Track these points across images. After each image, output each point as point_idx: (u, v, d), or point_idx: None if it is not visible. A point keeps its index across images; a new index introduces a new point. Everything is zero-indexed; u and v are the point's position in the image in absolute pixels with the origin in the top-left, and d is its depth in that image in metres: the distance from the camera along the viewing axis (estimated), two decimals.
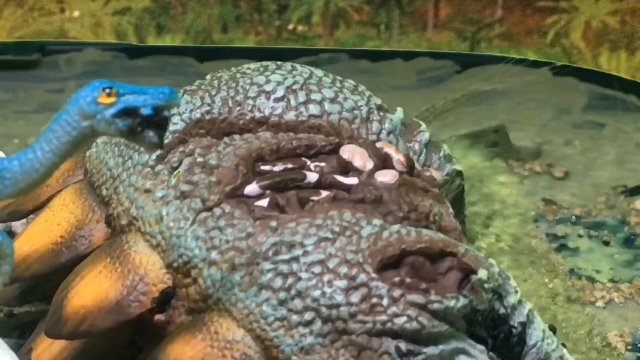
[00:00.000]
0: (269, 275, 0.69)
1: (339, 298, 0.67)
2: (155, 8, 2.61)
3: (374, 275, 0.68)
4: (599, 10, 2.43)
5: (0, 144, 1.64)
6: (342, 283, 0.68)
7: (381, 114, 0.87)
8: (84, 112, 0.62)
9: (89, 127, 0.62)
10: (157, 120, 0.62)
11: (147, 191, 0.78)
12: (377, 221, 0.73)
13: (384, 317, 0.67)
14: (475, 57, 2.40)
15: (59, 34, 2.52)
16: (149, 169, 0.79)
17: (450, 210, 0.80)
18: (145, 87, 0.63)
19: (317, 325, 0.67)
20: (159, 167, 0.79)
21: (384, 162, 0.81)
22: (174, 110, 0.83)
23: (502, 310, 0.72)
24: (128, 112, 0.62)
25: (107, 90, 0.61)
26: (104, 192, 0.82)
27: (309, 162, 0.79)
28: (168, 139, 0.81)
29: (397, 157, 0.81)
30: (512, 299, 0.73)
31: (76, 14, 2.58)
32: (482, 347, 0.70)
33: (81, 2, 2.58)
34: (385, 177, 0.78)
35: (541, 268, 1.18)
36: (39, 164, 0.63)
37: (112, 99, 0.61)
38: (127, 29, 2.59)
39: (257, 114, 0.83)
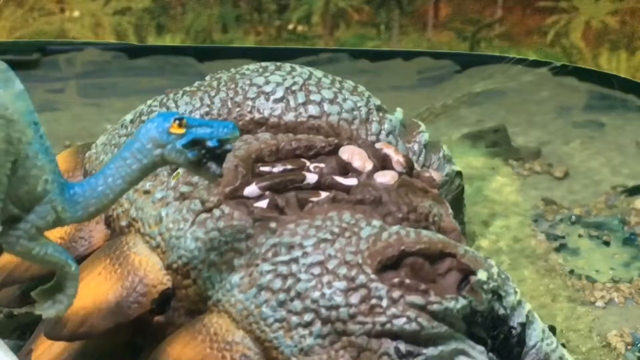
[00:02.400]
0: (269, 276, 0.69)
1: (339, 299, 0.67)
2: (155, 8, 2.61)
3: (373, 276, 0.68)
4: (599, 10, 2.43)
5: None
6: (341, 284, 0.68)
7: (380, 114, 0.87)
8: (156, 141, 0.65)
9: (159, 156, 0.65)
10: (220, 153, 0.66)
11: (147, 192, 0.78)
12: (376, 222, 0.73)
13: (383, 318, 0.67)
14: (475, 57, 2.40)
15: (59, 34, 2.52)
16: None
17: (450, 210, 0.80)
18: (210, 120, 0.67)
19: (317, 326, 0.67)
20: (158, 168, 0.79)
21: (383, 162, 0.81)
22: (174, 112, 0.83)
23: (501, 311, 0.72)
24: (195, 143, 0.65)
25: (179, 122, 0.65)
26: None
27: (308, 163, 0.79)
28: None
29: (397, 158, 0.81)
30: (511, 300, 0.73)
31: (76, 14, 2.58)
32: (481, 348, 0.70)
33: (81, 2, 2.58)
34: (385, 177, 0.78)
35: (541, 268, 1.18)
36: (109, 190, 0.66)
37: (182, 130, 0.65)
38: (127, 29, 2.59)
39: (257, 115, 0.84)
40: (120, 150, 0.66)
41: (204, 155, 0.65)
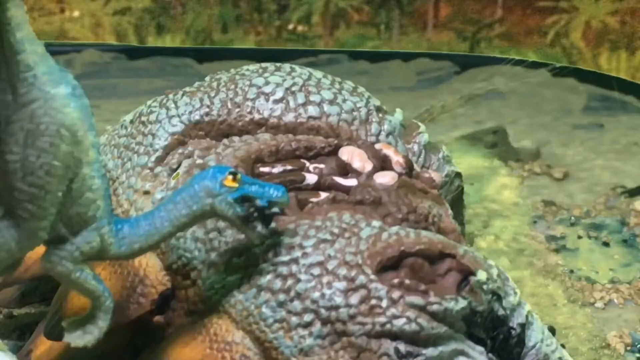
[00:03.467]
0: (268, 276, 0.69)
1: (338, 300, 0.67)
2: (155, 8, 2.61)
3: (373, 276, 0.68)
4: (599, 10, 2.43)
5: None
6: (341, 285, 0.68)
7: (380, 115, 0.87)
8: (209, 190, 0.66)
9: (209, 205, 0.66)
10: (268, 214, 0.67)
11: (147, 193, 0.78)
12: (376, 222, 0.73)
13: (383, 319, 0.67)
14: (474, 57, 2.40)
15: (59, 34, 2.52)
16: (148, 171, 0.79)
17: (450, 211, 0.80)
18: (263, 182, 0.68)
19: (317, 326, 0.67)
20: (158, 168, 0.79)
21: (383, 163, 0.81)
22: (173, 112, 0.83)
23: (501, 312, 0.72)
24: (245, 200, 0.66)
25: (233, 176, 0.66)
26: None
27: (308, 164, 0.79)
28: (167, 140, 0.82)
29: (396, 159, 0.81)
30: (511, 300, 0.73)
31: (76, 14, 2.58)
32: (481, 349, 0.70)
33: (81, 2, 2.58)
34: (384, 178, 0.78)
35: (540, 269, 1.18)
36: (156, 231, 0.66)
37: (235, 184, 0.66)
38: (127, 29, 2.59)
39: (256, 116, 0.84)
40: (173, 193, 0.67)
41: (252, 213, 0.66)
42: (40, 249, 0.79)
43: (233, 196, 0.66)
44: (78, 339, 0.67)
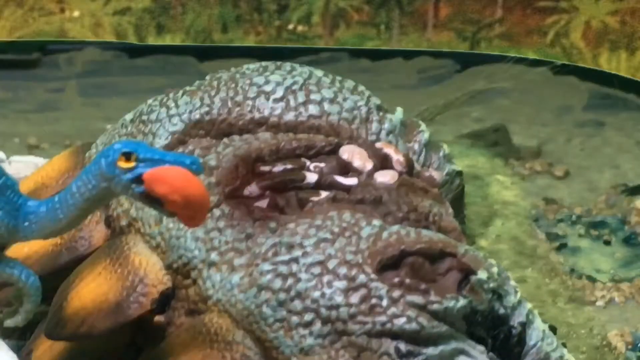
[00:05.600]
0: (269, 276, 0.69)
1: (339, 299, 0.67)
2: (155, 8, 2.60)
3: (373, 276, 0.68)
4: (599, 10, 2.43)
5: (0, 143, 1.63)
6: (341, 284, 0.68)
7: (380, 114, 0.87)
8: (103, 173, 0.63)
9: (107, 188, 0.64)
10: None
11: None
12: (376, 222, 0.73)
13: (383, 318, 0.67)
14: (475, 56, 2.40)
15: (59, 33, 2.52)
16: None
17: (450, 210, 0.80)
18: (167, 153, 0.63)
19: (317, 326, 0.67)
20: None
21: (383, 162, 0.81)
22: (174, 111, 0.83)
23: (501, 311, 0.72)
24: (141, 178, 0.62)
25: (126, 156, 0.62)
26: None
27: (308, 163, 0.79)
28: (167, 140, 0.82)
29: (397, 158, 0.81)
30: (511, 299, 0.73)
31: (76, 14, 2.58)
32: (481, 348, 0.70)
33: (81, 2, 2.58)
34: (385, 177, 0.78)
35: (541, 268, 1.17)
36: (62, 214, 0.66)
37: (131, 164, 0.62)
38: (127, 28, 2.59)
39: (257, 115, 0.83)
40: (78, 176, 0.65)
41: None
42: (35, 246, 0.80)
43: (128, 177, 0.62)
44: (9, 321, 0.70)
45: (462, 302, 0.69)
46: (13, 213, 0.66)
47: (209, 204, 0.65)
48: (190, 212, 0.62)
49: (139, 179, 0.62)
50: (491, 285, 0.71)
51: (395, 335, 0.67)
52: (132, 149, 0.62)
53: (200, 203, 0.62)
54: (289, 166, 0.78)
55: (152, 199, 0.62)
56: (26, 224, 0.66)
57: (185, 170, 0.61)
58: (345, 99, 0.85)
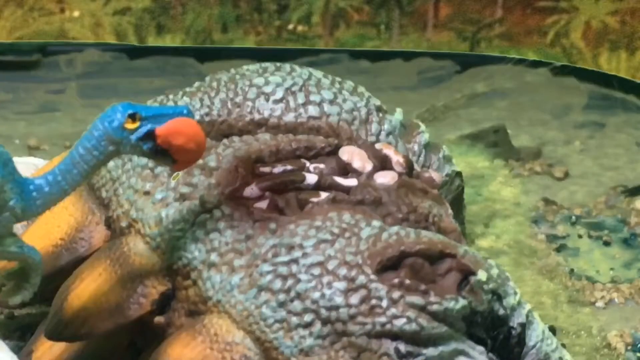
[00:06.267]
0: (269, 277, 0.69)
1: (339, 300, 0.67)
2: (155, 8, 2.60)
3: (373, 276, 0.68)
4: (599, 10, 2.43)
5: (0, 143, 1.63)
6: (341, 285, 0.68)
7: (380, 115, 0.87)
8: (111, 138, 0.66)
9: (115, 151, 0.66)
10: None
11: (147, 193, 0.78)
12: (376, 222, 0.73)
13: (383, 319, 0.67)
14: (475, 57, 2.40)
15: (59, 34, 2.52)
16: (149, 171, 0.79)
17: (450, 211, 0.80)
18: (165, 107, 0.67)
19: (317, 326, 0.67)
20: (159, 169, 0.79)
21: (383, 163, 0.81)
22: None
23: (501, 311, 0.72)
24: (151, 135, 0.65)
25: (132, 117, 0.65)
26: (104, 194, 0.82)
27: (308, 164, 0.79)
28: None
29: (397, 158, 0.81)
30: (511, 300, 0.73)
31: (76, 14, 2.58)
32: (481, 348, 0.70)
33: (81, 2, 2.58)
34: (385, 178, 0.78)
35: (541, 268, 1.18)
36: (67, 185, 0.67)
37: (136, 124, 0.65)
38: (127, 29, 2.59)
39: (256, 116, 0.84)
40: (76, 144, 0.67)
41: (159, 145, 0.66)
42: (36, 247, 0.80)
43: (136, 137, 0.65)
44: (15, 298, 0.72)
45: (461, 302, 0.69)
46: (22, 195, 0.67)
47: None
48: (194, 157, 0.68)
49: (145, 137, 0.65)
50: (491, 286, 0.71)
51: (395, 336, 0.67)
52: (135, 110, 0.65)
53: (204, 147, 0.68)
54: (288, 167, 0.78)
55: (158, 152, 0.66)
56: (31, 201, 0.67)
57: (189, 119, 0.66)
58: (345, 100, 0.86)
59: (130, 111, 0.65)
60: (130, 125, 0.65)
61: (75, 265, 0.79)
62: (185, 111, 0.66)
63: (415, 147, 0.89)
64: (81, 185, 0.69)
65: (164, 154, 0.66)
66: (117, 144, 0.66)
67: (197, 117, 0.83)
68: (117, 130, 0.65)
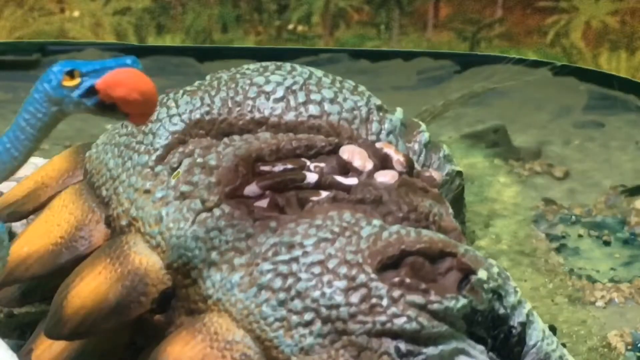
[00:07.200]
0: (269, 275, 0.69)
1: (339, 298, 0.67)
2: (155, 8, 2.61)
3: (373, 275, 0.68)
4: (599, 10, 2.43)
5: None
6: (341, 283, 0.68)
7: (381, 114, 0.87)
8: (51, 98, 0.64)
9: (58, 111, 0.64)
10: None
11: (147, 192, 0.78)
12: (376, 221, 0.73)
13: (383, 318, 0.67)
14: (475, 57, 2.40)
15: (59, 34, 2.52)
16: (149, 170, 0.79)
17: (450, 210, 0.80)
18: (105, 61, 0.64)
19: (317, 325, 0.67)
20: (159, 167, 0.79)
21: (383, 162, 0.81)
22: (174, 111, 0.83)
23: (501, 311, 0.72)
24: (94, 90, 0.63)
25: (70, 74, 0.63)
26: (104, 192, 0.82)
27: (308, 163, 0.79)
28: (168, 139, 0.82)
29: (397, 158, 0.81)
30: (511, 299, 0.73)
31: (76, 14, 2.58)
32: (481, 347, 0.70)
33: (81, 2, 2.58)
34: (385, 177, 0.78)
35: (541, 268, 1.18)
36: (17, 152, 0.66)
37: (76, 81, 0.63)
38: (127, 29, 2.59)
39: (257, 115, 0.83)
40: (21, 109, 0.66)
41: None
42: (35, 245, 0.80)
43: (78, 94, 0.63)
44: None
45: (462, 301, 0.69)
46: None
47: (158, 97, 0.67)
48: (145, 108, 0.64)
49: (88, 92, 0.63)
50: (491, 285, 0.71)
51: (396, 334, 0.67)
52: (74, 66, 0.63)
53: (154, 97, 0.64)
54: (289, 166, 0.78)
55: (105, 107, 0.63)
56: None
57: (132, 69, 0.63)
58: (345, 99, 0.85)
59: (67, 68, 0.63)
60: (69, 83, 0.63)
61: (75, 263, 0.78)
62: (130, 62, 0.63)
63: (416, 147, 0.89)
64: (33, 151, 0.66)
65: (112, 108, 0.63)
66: (59, 103, 0.64)
67: (198, 115, 0.83)
68: (57, 89, 0.63)
